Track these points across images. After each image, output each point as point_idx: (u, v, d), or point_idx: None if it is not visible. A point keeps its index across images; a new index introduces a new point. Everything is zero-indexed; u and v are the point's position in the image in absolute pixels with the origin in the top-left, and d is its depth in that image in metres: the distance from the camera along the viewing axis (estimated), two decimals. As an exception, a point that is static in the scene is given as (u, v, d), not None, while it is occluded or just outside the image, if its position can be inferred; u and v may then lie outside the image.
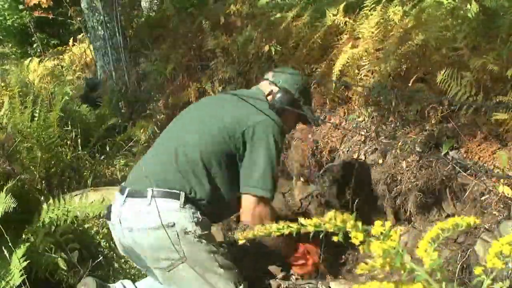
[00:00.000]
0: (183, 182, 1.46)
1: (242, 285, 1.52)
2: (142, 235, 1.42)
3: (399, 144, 2.01)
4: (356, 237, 0.40)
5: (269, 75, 1.74)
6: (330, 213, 0.42)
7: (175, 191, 1.44)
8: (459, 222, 0.41)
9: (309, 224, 0.42)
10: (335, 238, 0.43)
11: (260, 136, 1.47)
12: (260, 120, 1.49)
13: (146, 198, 1.43)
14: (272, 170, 1.48)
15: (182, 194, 1.43)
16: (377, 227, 0.40)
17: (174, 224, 1.40)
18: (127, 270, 2.04)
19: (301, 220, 0.44)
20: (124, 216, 1.47)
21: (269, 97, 1.65)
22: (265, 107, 1.56)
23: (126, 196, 1.49)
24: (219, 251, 1.50)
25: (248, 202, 1.50)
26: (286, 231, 0.45)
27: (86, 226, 2.19)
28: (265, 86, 1.70)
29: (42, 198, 2.30)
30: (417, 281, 0.35)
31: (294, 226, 0.44)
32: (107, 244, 2.19)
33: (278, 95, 1.62)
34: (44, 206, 2.04)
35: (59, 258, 1.82)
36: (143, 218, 1.42)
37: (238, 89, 3.06)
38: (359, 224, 0.42)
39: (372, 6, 2.34)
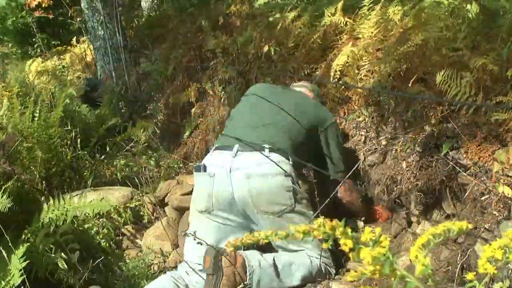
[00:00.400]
0: (289, 148, 1.79)
1: None
2: (262, 180, 1.66)
3: (399, 144, 2.01)
4: (346, 244, 0.39)
5: (306, 83, 2.28)
6: (319, 220, 0.41)
7: (285, 152, 1.76)
8: (451, 228, 0.41)
9: (297, 231, 0.41)
10: (324, 245, 0.43)
11: (335, 134, 2.01)
12: (332, 121, 2.01)
13: (264, 151, 1.72)
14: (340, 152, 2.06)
15: (291, 159, 1.76)
16: (366, 233, 0.40)
17: (290, 174, 1.70)
18: (127, 271, 2.04)
19: (290, 227, 0.44)
20: (238, 165, 1.69)
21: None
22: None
23: (237, 151, 1.74)
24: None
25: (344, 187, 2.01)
26: (275, 238, 0.45)
27: (86, 226, 2.19)
28: (308, 93, 2.21)
29: (42, 198, 2.30)
30: (407, 288, 0.35)
31: (283, 233, 0.43)
32: (107, 244, 2.19)
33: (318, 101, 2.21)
34: (44, 206, 2.04)
35: (59, 258, 1.82)
36: (263, 166, 1.68)
37: (238, 89, 3.06)
38: (349, 230, 0.41)
39: (371, 6, 2.33)
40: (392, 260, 0.37)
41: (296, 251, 1.77)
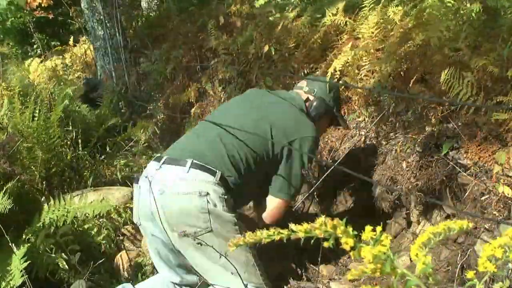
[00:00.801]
0: (220, 164, 1.59)
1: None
2: (174, 198, 1.51)
3: (399, 144, 2.01)
4: (347, 242, 0.39)
5: (303, 84, 1.90)
6: (320, 219, 0.41)
7: (212, 168, 1.56)
8: (452, 226, 0.41)
9: (299, 230, 0.41)
10: (325, 244, 0.42)
11: (298, 151, 1.68)
12: (301, 136, 1.69)
13: (184, 167, 1.55)
14: (300, 180, 1.73)
15: (219, 173, 1.56)
16: (367, 232, 0.40)
17: (207, 194, 1.51)
18: (126, 270, 2.04)
19: (292, 226, 0.43)
20: (157, 179, 1.56)
21: (307, 104, 1.83)
22: (305, 118, 1.76)
23: (163, 163, 1.60)
24: (242, 233, 1.57)
25: (274, 204, 1.74)
26: (277, 238, 0.45)
27: (86, 226, 2.19)
28: (302, 94, 1.87)
29: (42, 198, 2.30)
30: (407, 287, 0.35)
31: (285, 232, 0.43)
32: (107, 244, 2.19)
33: (315, 103, 1.82)
34: (45, 206, 2.04)
35: (59, 259, 1.82)
36: (178, 183, 1.53)
37: (238, 89, 3.06)
38: (350, 229, 0.41)
39: (372, 6, 2.33)
40: (392, 258, 0.37)
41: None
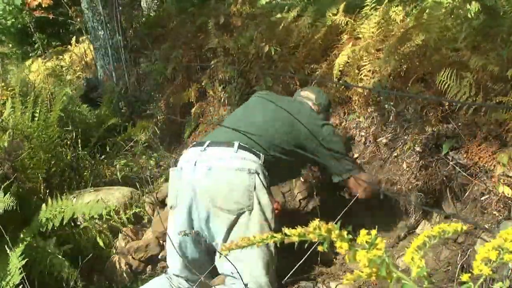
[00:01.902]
0: (263, 149, 1.69)
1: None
2: (223, 173, 1.59)
3: (399, 144, 2.01)
4: (341, 247, 0.39)
5: (312, 96, 2.05)
6: (314, 223, 0.41)
7: (257, 151, 1.66)
8: (446, 229, 0.40)
9: (293, 234, 0.41)
10: (320, 248, 0.42)
11: (331, 140, 1.82)
12: (326, 131, 1.83)
13: (232, 147, 1.64)
14: (343, 151, 1.85)
15: (263, 156, 1.66)
16: (362, 236, 0.39)
17: (256, 172, 1.59)
18: (125, 274, 2.04)
19: (285, 230, 0.43)
20: (204, 158, 1.64)
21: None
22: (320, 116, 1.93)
23: (207, 146, 1.68)
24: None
25: (351, 184, 1.87)
26: (270, 241, 0.44)
27: (84, 227, 2.19)
28: (310, 103, 2.02)
29: (41, 198, 2.30)
30: (403, 291, 0.34)
31: (278, 236, 0.43)
32: (107, 246, 2.18)
33: (322, 113, 2.01)
34: (43, 206, 2.04)
35: (56, 259, 1.82)
36: (228, 160, 1.61)
37: (238, 89, 3.06)
38: (344, 233, 0.40)
39: (373, 6, 2.33)
40: (388, 262, 0.37)
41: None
